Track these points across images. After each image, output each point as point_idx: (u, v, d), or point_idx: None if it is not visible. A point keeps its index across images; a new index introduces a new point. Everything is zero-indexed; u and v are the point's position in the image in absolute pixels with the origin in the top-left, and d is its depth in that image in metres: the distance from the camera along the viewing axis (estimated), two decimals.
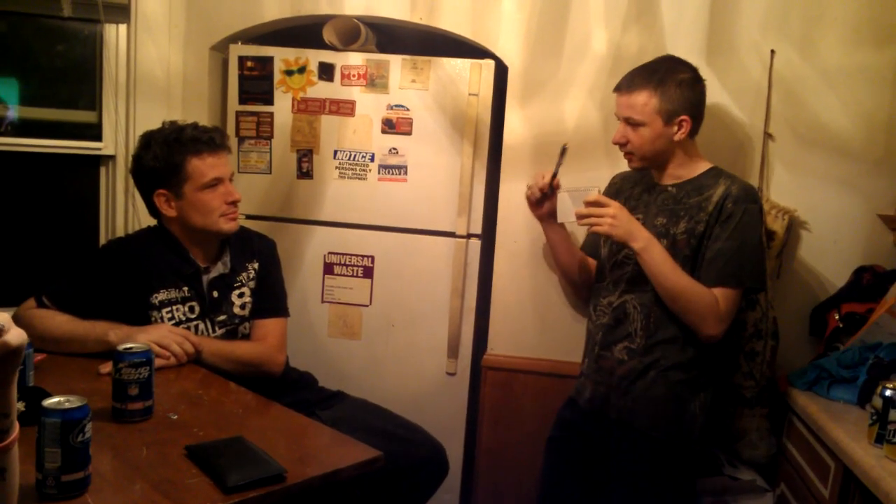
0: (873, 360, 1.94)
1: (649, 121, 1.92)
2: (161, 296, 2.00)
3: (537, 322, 2.51)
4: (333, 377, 2.40)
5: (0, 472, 0.88)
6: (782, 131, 2.31)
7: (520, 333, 2.52)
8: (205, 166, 2.00)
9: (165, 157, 1.99)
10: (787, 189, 2.31)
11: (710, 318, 1.88)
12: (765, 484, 2.17)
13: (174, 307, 2.01)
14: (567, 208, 1.97)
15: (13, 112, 2.54)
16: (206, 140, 2.01)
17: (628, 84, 1.96)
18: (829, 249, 2.31)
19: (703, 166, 2.01)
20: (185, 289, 2.03)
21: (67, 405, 1.21)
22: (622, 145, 2.00)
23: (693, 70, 1.97)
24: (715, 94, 2.28)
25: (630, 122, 1.95)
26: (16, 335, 0.86)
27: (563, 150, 2.08)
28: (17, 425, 0.89)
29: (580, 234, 2.35)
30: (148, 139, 2.03)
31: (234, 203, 2.06)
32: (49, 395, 1.26)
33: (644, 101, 1.92)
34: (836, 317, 2.18)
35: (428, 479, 2.18)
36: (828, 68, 2.27)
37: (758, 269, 1.92)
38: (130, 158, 2.10)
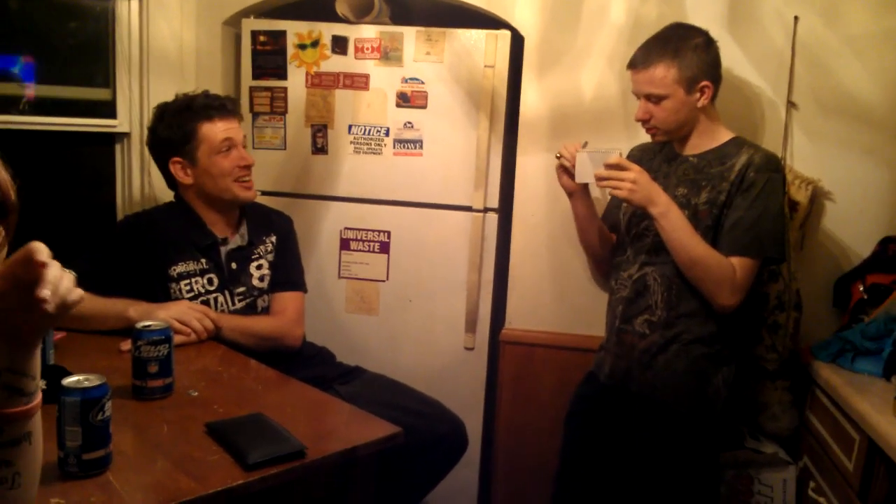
0: None
1: (671, 92, 1.89)
2: (179, 268, 2.01)
3: (555, 296, 2.49)
4: (351, 353, 2.40)
5: (26, 436, 0.88)
6: (805, 100, 2.25)
7: (538, 307, 2.51)
8: (216, 130, 2.05)
9: (178, 125, 2.04)
10: (810, 158, 2.26)
11: (726, 288, 1.85)
12: (787, 457, 2.15)
13: (193, 279, 2.02)
14: (586, 169, 1.93)
15: (29, 90, 2.53)
16: (217, 106, 2.06)
17: (643, 59, 1.92)
18: (854, 220, 2.26)
19: (725, 135, 1.97)
20: (203, 261, 2.04)
21: (87, 384, 1.22)
22: (645, 122, 1.97)
23: (704, 33, 1.93)
24: (737, 62, 2.24)
25: (651, 98, 1.92)
26: (78, 294, 0.88)
27: (585, 144, 2.02)
28: (40, 391, 0.89)
29: (600, 207, 2.32)
30: (162, 110, 2.10)
31: (248, 167, 2.09)
32: (69, 374, 1.27)
33: (663, 74, 1.88)
34: (861, 288, 2.14)
35: (447, 454, 2.19)
36: (853, 35, 2.21)
37: (778, 240, 1.89)
38: (147, 131, 2.16)
